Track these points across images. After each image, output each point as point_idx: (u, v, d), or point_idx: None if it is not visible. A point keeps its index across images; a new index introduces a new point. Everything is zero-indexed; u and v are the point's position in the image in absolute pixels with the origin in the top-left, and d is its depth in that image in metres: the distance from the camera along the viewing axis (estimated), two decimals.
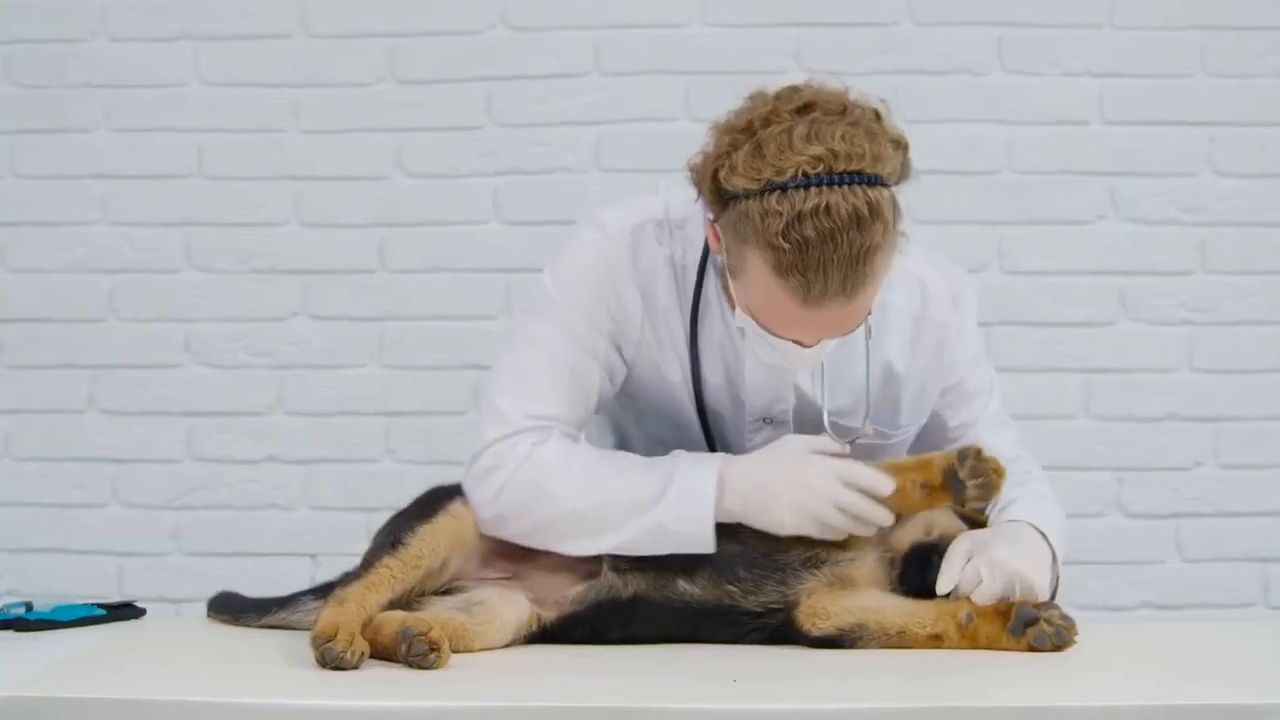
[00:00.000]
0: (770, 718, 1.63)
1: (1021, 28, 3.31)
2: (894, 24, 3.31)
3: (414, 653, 1.80)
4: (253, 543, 3.34)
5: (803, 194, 1.83)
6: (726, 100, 3.24)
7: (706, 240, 2.07)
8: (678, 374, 2.11)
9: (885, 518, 1.99)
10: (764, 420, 2.11)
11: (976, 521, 2.11)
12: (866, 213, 1.84)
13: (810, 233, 1.83)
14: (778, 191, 1.84)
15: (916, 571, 2.01)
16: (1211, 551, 3.30)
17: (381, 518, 2.13)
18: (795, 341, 1.94)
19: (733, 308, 2.01)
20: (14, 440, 3.38)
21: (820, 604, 1.98)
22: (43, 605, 2.15)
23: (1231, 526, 3.30)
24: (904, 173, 1.93)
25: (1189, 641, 2.19)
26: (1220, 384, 3.31)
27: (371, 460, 3.35)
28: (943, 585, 1.96)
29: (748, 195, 1.87)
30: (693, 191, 2.00)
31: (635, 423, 2.20)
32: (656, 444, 2.17)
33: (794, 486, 1.98)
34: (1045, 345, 3.31)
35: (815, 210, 1.83)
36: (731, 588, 1.99)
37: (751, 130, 1.89)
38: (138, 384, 3.37)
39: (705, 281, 2.09)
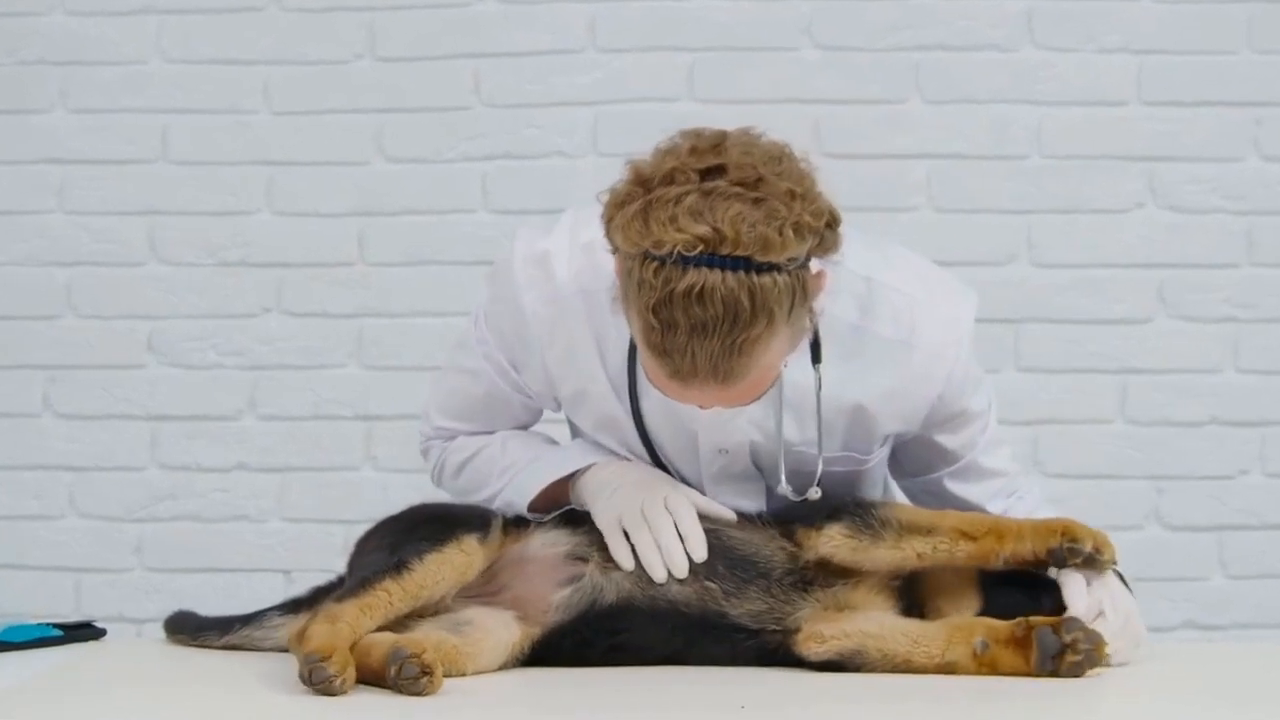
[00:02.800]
0: None
1: (1053, 0, 3.31)
2: None
3: (405, 676, 1.80)
4: (222, 557, 3.35)
5: (679, 271, 1.81)
6: (733, 78, 3.27)
7: None
8: (591, 407, 2.14)
9: (677, 564, 2.00)
10: (719, 451, 2.13)
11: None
12: (747, 304, 1.81)
13: (679, 317, 1.81)
14: (655, 262, 1.83)
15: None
16: (1258, 567, 3.30)
17: (360, 530, 2.14)
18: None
19: None
20: None
21: (816, 628, 1.98)
22: None
23: (1279, 540, 3.30)
24: (823, 249, 1.90)
25: (1233, 664, 2.19)
26: (1267, 385, 3.31)
27: (351, 468, 3.35)
28: (1080, 611, 1.98)
29: (628, 255, 1.86)
30: None
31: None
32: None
33: (630, 486, 2.06)
34: (1078, 344, 3.31)
35: (689, 292, 1.80)
36: (711, 584, 1.99)
37: (649, 187, 1.86)
38: (98, 385, 3.37)
39: None
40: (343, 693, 1.79)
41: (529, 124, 3.34)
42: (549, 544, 2.05)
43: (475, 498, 2.18)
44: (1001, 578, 2.03)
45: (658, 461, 2.15)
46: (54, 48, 3.37)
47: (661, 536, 2.00)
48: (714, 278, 1.80)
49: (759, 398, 1.95)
